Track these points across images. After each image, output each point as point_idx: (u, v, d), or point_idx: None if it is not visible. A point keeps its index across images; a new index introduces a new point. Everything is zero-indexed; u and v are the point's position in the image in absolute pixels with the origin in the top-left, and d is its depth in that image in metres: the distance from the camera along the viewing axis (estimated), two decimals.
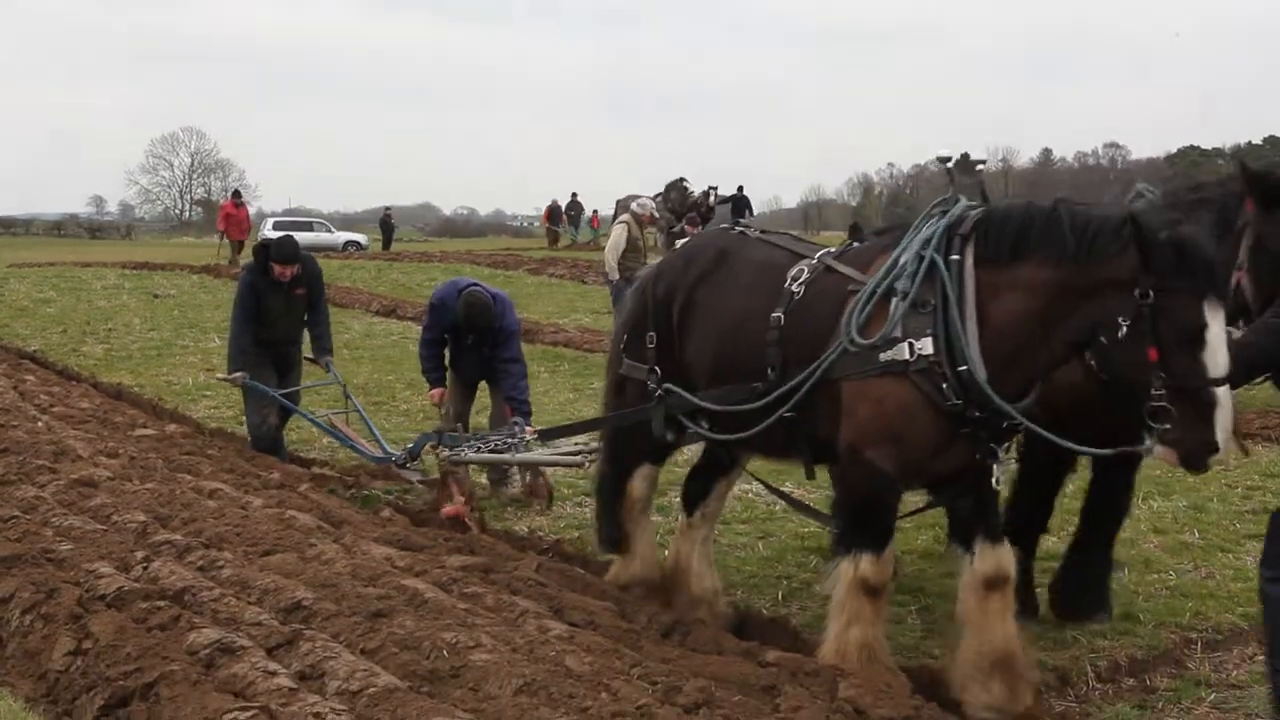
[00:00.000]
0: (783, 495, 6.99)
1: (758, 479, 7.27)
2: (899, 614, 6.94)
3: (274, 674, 5.20)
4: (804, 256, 5.99)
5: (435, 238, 75.51)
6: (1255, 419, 11.61)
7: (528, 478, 9.39)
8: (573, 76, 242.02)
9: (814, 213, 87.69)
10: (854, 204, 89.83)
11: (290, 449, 11.30)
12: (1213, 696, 5.64)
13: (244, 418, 12.84)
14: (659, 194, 41.84)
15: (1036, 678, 5.50)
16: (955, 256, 5.23)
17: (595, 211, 53.53)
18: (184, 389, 14.73)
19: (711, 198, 41.30)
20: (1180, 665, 6.05)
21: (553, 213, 51.74)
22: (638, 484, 6.93)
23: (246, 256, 32.48)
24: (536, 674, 5.16)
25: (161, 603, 6.15)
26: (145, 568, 6.81)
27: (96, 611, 6.05)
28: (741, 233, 6.56)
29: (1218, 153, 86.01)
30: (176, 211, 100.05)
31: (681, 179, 41.63)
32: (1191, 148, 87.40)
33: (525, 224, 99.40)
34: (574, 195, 52.23)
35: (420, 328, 20.21)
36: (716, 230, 7.03)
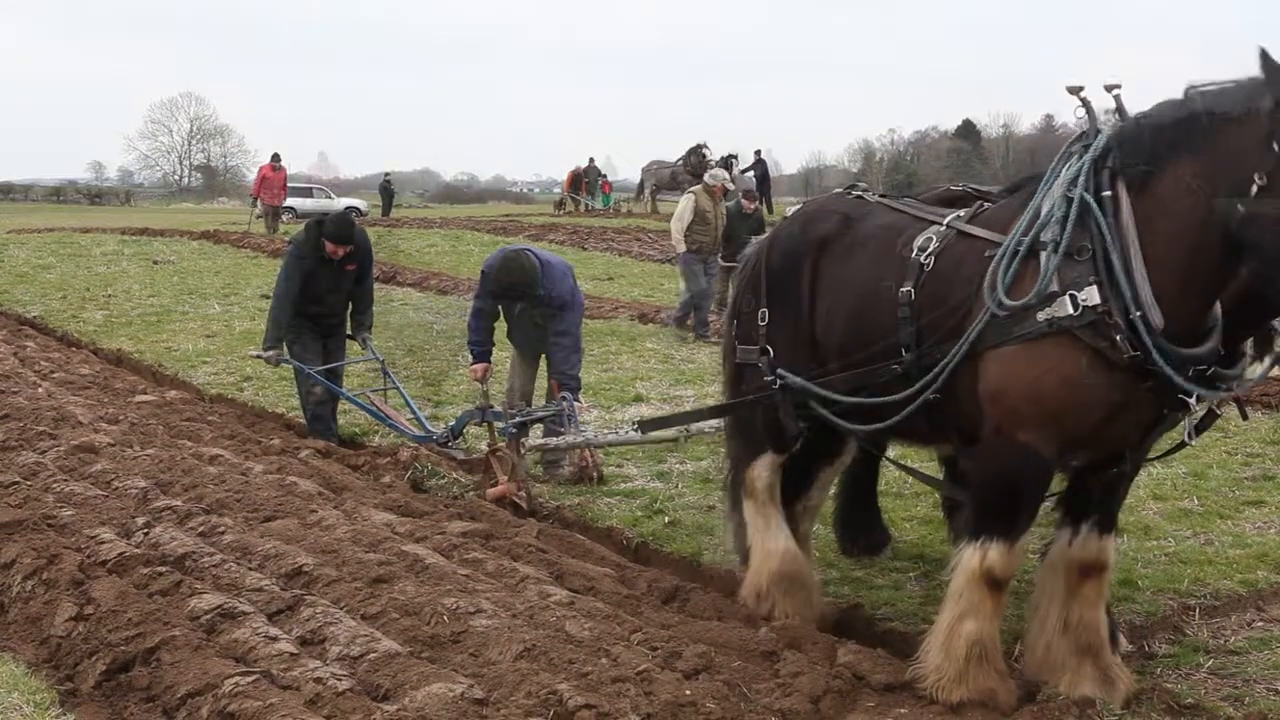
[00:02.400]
0: (910, 470, 6.59)
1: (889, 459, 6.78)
2: (899, 580, 6.96)
3: (275, 639, 5.22)
4: (931, 223, 5.40)
5: (435, 204, 75.37)
6: (1255, 386, 11.57)
7: (577, 455, 9.10)
8: (573, 39, 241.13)
9: (815, 179, 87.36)
10: (855, 170, 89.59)
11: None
12: (1211, 662, 5.65)
13: (244, 384, 12.89)
14: (680, 159, 41.84)
15: (1130, 677, 5.24)
16: (1108, 193, 4.67)
17: (604, 177, 51.52)
18: (184, 355, 14.70)
19: (734, 169, 41.06)
20: (1179, 631, 6.06)
21: (575, 179, 49.40)
22: (759, 471, 6.17)
23: (284, 227, 32.00)
24: (537, 639, 5.19)
25: (163, 568, 6.18)
26: (146, 534, 6.83)
27: (98, 577, 6.07)
28: (860, 196, 5.98)
29: None
30: (176, 177, 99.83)
31: (701, 144, 41.39)
32: None
33: (526, 190, 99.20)
34: (591, 160, 50.02)
35: (419, 294, 20.34)
36: (834, 194, 6.33)
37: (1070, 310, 4.65)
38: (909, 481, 8.60)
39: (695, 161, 40.96)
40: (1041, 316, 4.70)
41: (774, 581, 6.09)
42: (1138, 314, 4.56)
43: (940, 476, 6.89)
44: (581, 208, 47.44)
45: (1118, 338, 4.58)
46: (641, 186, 45.17)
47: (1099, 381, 4.67)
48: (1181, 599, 6.48)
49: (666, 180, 42.92)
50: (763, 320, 5.99)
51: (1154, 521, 7.80)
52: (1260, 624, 6.16)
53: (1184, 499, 8.28)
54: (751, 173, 41.54)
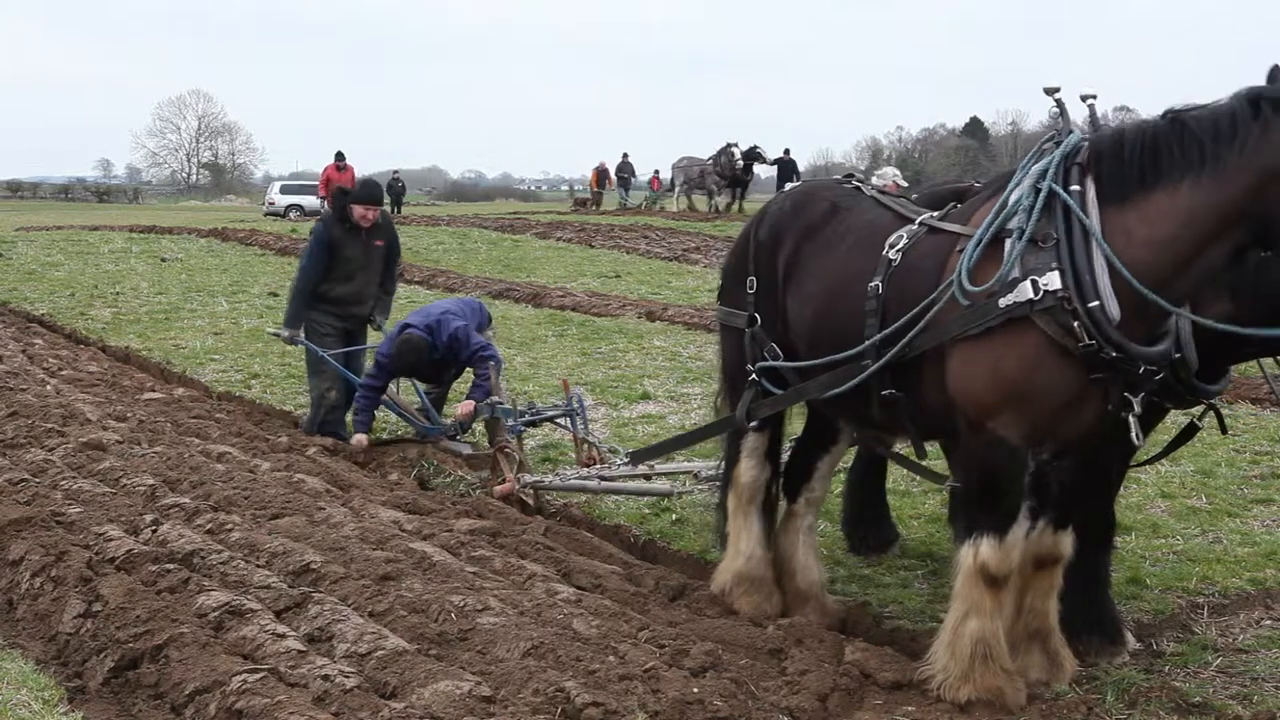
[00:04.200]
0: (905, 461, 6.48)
1: (889, 453, 6.63)
2: (906, 578, 6.95)
3: (283, 636, 5.22)
4: (909, 220, 5.52)
5: (442, 201, 75.41)
6: (1263, 384, 11.57)
7: (586, 450, 9.07)
8: (581, 37, 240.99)
9: (823, 176, 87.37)
10: (862, 168, 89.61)
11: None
12: (1219, 661, 5.64)
13: (251, 381, 12.90)
14: (710, 158, 41.85)
15: (1074, 660, 5.38)
16: (1076, 187, 4.81)
17: (657, 172, 50.26)
18: (192, 352, 14.71)
19: (764, 157, 41.08)
20: (1187, 630, 6.04)
21: (600, 176, 48.52)
22: (745, 466, 6.26)
23: (292, 224, 31.62)
24: (544, 637, 5.18)
25: (170, 565, 6.18)
26: (154, 531, 6.84)
27: (106, 574, 6.08)
28: (856, 187, 6.06)
29: None
30: (184, 175, 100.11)
31: (731, 144, 41.41)
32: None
33: (533, 187, 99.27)
34: (625, 156, 48.87)
35: (426, 291, 20.34)
36: (828, 181, 6.42)
37: (1031, 295, 4.75)
38: (917, 479, 8.60)
39: (725, 161, 40.92)
40: (1004, 302, 4.80)
41: (736, 581, 6.23)
42: (1095, 303, 4.67)
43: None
44: (613, 204, 46.22)
45: (1075, 324, 4.69)
46: (673, 183, 44.96)
47: (1054, 368, 4.78)
48: (1189, 597, 6.47)
49: (696, 179, 42.85)
50: (751, 288, 6.08)
51: (1162, 520, 7.79)
52: (1268, 622, 6.15)
53: (1192, 497, 8.26)
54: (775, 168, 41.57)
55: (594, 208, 45.71)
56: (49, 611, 5.87)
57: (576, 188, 53.45)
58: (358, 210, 10.01)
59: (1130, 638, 5.78)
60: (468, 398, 9.45)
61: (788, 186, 6.62)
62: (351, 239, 10.08)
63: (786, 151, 42.68)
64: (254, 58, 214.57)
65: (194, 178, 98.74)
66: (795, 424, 6.48)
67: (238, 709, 4.63)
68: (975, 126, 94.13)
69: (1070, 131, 5.05)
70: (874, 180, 17.17)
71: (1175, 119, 4.71)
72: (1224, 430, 5.69)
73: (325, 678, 4.79)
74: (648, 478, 8.17)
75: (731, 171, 40.81)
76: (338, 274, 10.13)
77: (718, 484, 6.80)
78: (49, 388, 11.47)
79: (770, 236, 6.05)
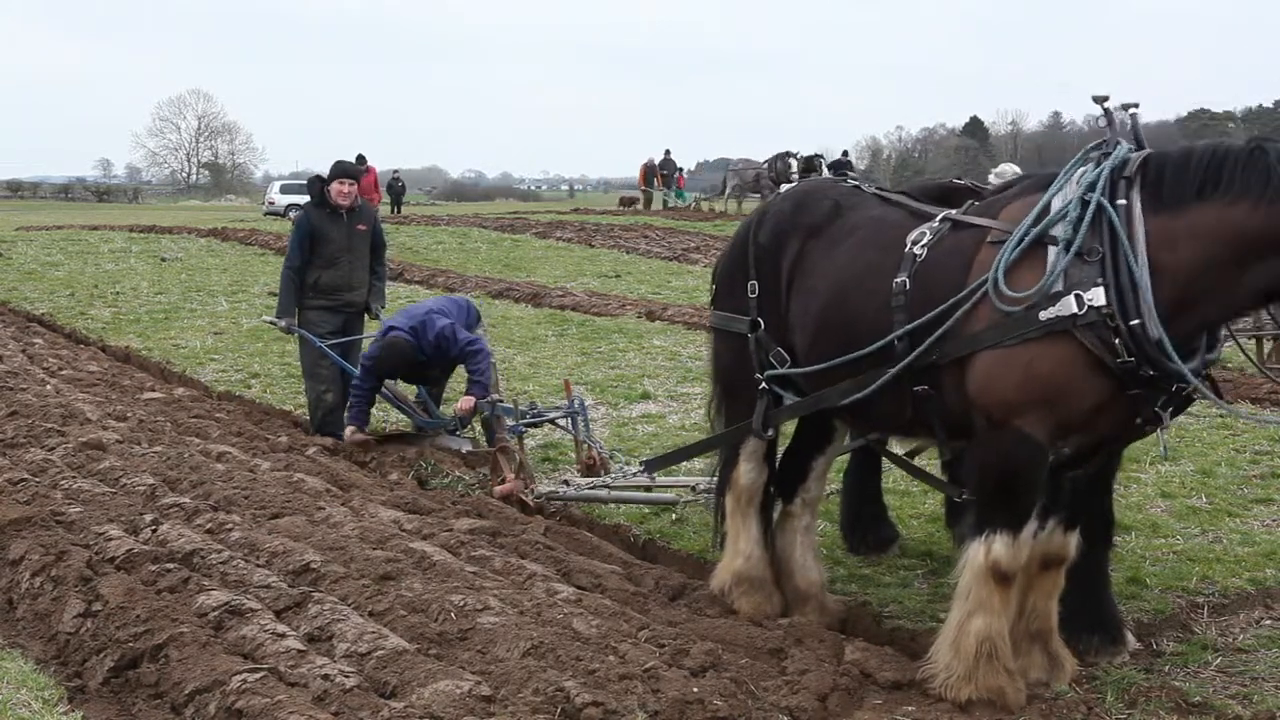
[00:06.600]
0: (909, 466, 6.47)
1: (888, 453, 6.66)
2: (906, 578, 6.95)
3: (283, 636, 5.23)
4: (924, 217, 5.47)
5: (442, 201, 75.39)
6: (1264, 384, 11.57)
7: (585, 451, 9.12)
8: (581, 35, 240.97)
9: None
10: (862, 167, 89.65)
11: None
12: (1219, 660, 5.63)
13: (251, 381, 12.89)
14: (765, 161, 41.88)
15: (1074, 661, 5.36)
16: (1121, 201, 4.79)
17: (682, 170, 49.80)
18: (192, 352, 14.72)
19: (821, 168, 41.14)
20: (1186, 629, 6.04)
21: (648, 172, 47.06)
22: (744, 467, 6.20)
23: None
24: (544, 636, 5.18)
25: (170, 565, 6.18)
26: (154, 530, 6.84)
27: (106, 574, 6.08)
28: (856, 186, 6.00)
29: (1228, 116, 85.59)
30: (184, 174, 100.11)
31: (788, 152, 41.44)
32: (1202, 111, 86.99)
33: (533, 187, 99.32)
34: (667, 152, 47.98)
35: (426, 291, 20.33)
36: (827, 180, 6.38)
37: (1075, 309, 4.73)
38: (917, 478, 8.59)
39: (780, 168, 40.92)
40: (1044, 315, 4.77)
41: (736, 581, 6.19)
42: (1136, 321, 4.67)
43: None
44: (659, 203, 45.74)
45: (1116, 341, 4.68)
46: (725, 183, 44.78)
47: (1090, 380, 4.78)
48: (1189, 597, 6.47)
49: (750, 182, 42.73)
50: (752, 292, 6.00)
51: (1162, 519, 7.78)
52: (1268, 622, 6.15)
53: (1192, 497, 8.26)
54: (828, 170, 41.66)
55: (643, 207, 45.19)
56: (49, 611, 5.87)
57: (576, 187, 53.30)
58: (335, 188, 10.01)
59: (1130, 637, 5.78)
60: (467, 393, 9.43)
61: (784, 187, 6.56)
62: (333, 223, 10.09)
63: (845, 154, 42.55)
64: (254, 58, 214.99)
65: (194, 177, 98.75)
66: (790, 425, 6.47)
67: (238, 708, 4.63)
68: (975, 126, 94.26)
69: (1118, 142, 5.00)
70: (992, 176, 16.64)
71: (1258, 146, 4.69)
72: (1219, 396, 5.67)
73: (325, 677, 4.79)
74: (648, 489, 8.17)
75: (786, 178, 40.83)
76: (323, 259, 10.11)
77: (713, 492, 6.76)
78: (49, 387, 11.48)
79: (772, 238, 5.97)
